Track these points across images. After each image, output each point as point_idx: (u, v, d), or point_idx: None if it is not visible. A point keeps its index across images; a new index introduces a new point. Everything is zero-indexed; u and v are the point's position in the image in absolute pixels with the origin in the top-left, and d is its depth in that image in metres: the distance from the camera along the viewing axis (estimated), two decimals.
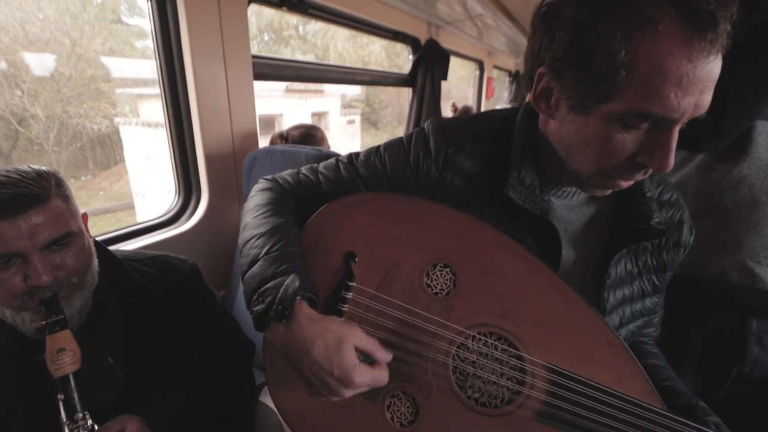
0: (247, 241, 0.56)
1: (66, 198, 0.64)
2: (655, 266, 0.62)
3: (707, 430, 0.46)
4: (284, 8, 1.59)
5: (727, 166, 0.76)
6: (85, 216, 0.70)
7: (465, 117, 0.63)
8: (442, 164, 0.59)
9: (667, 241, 0.61)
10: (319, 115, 8.25)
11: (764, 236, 0.74)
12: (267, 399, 0.92)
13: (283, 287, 0.47)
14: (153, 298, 0.74)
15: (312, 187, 0.64)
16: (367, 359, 0.49)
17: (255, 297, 0.49)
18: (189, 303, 0.80)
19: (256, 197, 0.63)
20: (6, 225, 0.56)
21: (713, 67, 0.41)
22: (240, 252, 0.56)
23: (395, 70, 2.92)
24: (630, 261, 0.60)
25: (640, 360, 0.53)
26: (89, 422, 0.58)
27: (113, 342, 0.71)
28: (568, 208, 0.60)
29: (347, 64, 2.18)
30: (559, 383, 0.48)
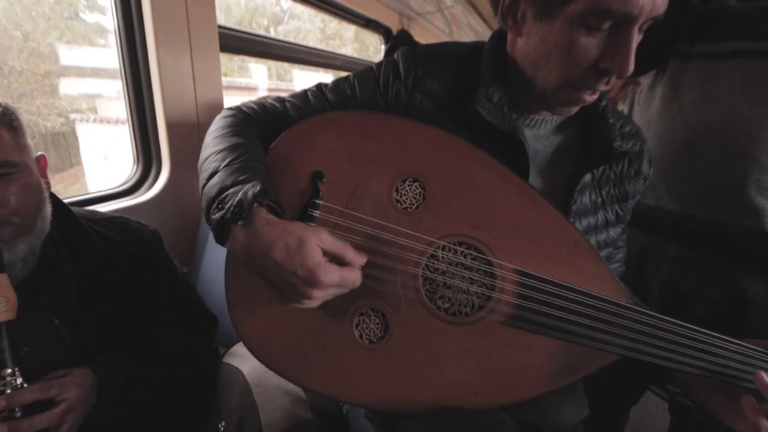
0: (206, 158, 0.53)
1: (12, 128, 0.59)
2: (618, 195, 0.64)
3: (671, 319, 0.47)
4: None
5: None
6: (43, 158, 0.65)
7: (435, 44, 0.63)
8: (411, 85, 0.58)
9: (628, 170, 0.63)
10: None
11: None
12: (230, 358, 0.88)
13: (243, 191, 0.45)
14: (109, 261, 0.69)
15: (279, 113, 0.61)
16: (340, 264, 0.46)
17: (214, 206, 0.47)
18: (148, 269, 0.75)
19: (218, 122, 0.60)
20: None
21: None
22: (199, 169, 0.53)
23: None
24: (594, 191, 0.62)
25: None
26: (18, 380, 0.53)
27: (63, 303, 0.65)
28: (536, 138, 0.61)
29: (318, 47, 2.16)
30: (528, 285, 0.48)
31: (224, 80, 1.46)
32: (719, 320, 0.69)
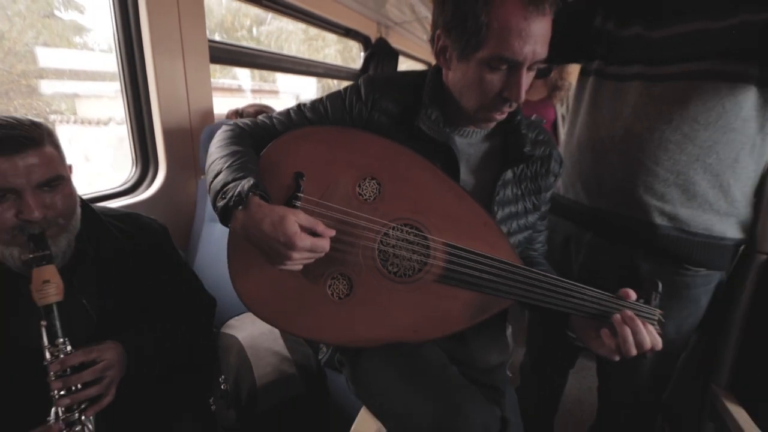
0: (213, 162, 0.69)
1: (56, 146, 0.72)
2: (534, 189, 0.82)
3: (547, 273, 0.66)
4: None
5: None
6: (70, 168, 0.77)
7: (390, 72, 0.81)
8: (370, 106, 0.76)
9: (540, 169, 0.82)
10: None
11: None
12: (226, 329, 1.04)
13: (240, 185, 0.61)
14: (125, 250, 0.82)
15: (268, 128, 0.78)
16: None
17: (219, 195, 0.63)
18: (157, 257, 0.88)
19: (220, 135, 0.76)
20: (4, 162, 0.62)
21: (543, 25, 0.62)
22: (206, 171, 0.70)
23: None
24: (515, 185, 0.80)
25: (531, 267, 0.73)
26: (68, 347, 0.65)
27: (88, 287, 0.77)
28: (468, 145, 0.80)
29: (301, 56, 2.30)
30: (453, 254, 0.67)
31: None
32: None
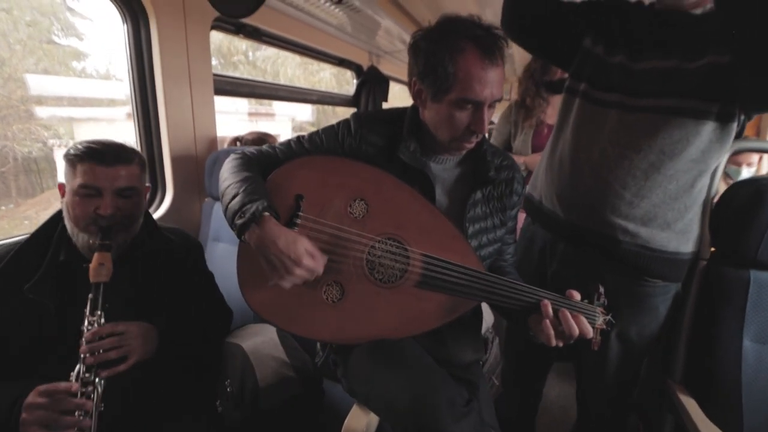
0: (228, 185, 0.81)
1: (143, 167, 0.93)
2: (500, 207, 0.94)
3: (505, 278, 0.79)
4: (241, 35, 1.88)
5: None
6: (147, 188, 0.96)
7: (375, 110, 0.95)
8: (359, 139, 0.90)
9: (505, 190, 0.95)
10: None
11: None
12: (231, 338, 1.14)
13: (256, 205, 0.74)
14: (170, 255, 1.00)
15: (272, 156, 0.91)
16: None
17: (238, 215, 0.75)
18: (192, 265, 1.05)
19: (231, 162, 0.89)
20: (102, 169, 0.84)
21: (497, 72, 0.76)
22: (222, 194, 0.82)
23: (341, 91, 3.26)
24: (484, 204, 0.93)
25: (500, 275, 0.84)
26: (102, 320, 0.79)
27: (136, 279, 0.93)
28: (444, 170, 0.93)
29: (297, 84, 2.47)
30: (428, 262, 0.79)
31: None
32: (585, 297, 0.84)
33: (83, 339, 0.76)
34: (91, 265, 0.78)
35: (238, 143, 1.78)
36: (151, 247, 0.97)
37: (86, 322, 0.77)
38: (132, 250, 0.93)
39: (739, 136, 0.91)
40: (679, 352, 1.06)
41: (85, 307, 0.78)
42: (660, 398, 1.12)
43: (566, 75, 1.74)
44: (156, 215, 1.56)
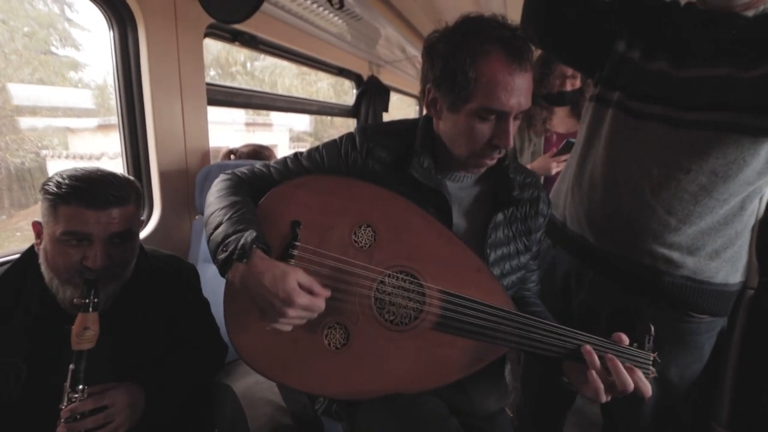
0: (212, 213, 0.70)
1: (138, 205, 0.79)
2: (524, 230, 0.84)
3: (539, 318, 0.67)
4: (237, 43, 1.78)
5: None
6: (141, 222, 0.83)
7: (383, 122, 0.84)
8: (365, 154, 0.79)
9: (530, 211, 0.84)
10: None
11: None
12: (220, 377, 1.02)
13: (243, 237, 0.62)
14: (163, 293, 0.86)
15: (265, 177, 0.80)
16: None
17: (220, 248, 0.64)
18: (188, 297, 0.93)
19: (218, 185, 0.78)
20: (92, 213, 0.70)
21: (525, 79, 0.66)
22: (205, 222, 0.70)
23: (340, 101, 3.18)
24: (506, 227, 0.82)
25: (524, 308, 0.73)
26: (86, 394, 0.67)
27: (122, 327, 0.79)
28: (460, 189, 0.82)
29: (295, 95, 2.38)
30: (448, 301, 0.67)
31: None
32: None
33: (61, 418, 0.64)
34: (74, 330, 0.65)
35: (232, 156, 1.67)
36: (142, 287, 0.83)
37: (66, 399, 0.65)
38: (120, 297, 0.80)
39: None
40: (724, 393, 0.94)
41: (64, 378, 0.65)
42: None
43: (565, 88, 1.68)
44: (141, 235, 1.44)
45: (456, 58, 0.66)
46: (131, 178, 0.79)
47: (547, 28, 0.94)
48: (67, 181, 0.69)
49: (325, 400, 0.84)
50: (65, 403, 0.65)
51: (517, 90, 0.65)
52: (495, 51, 0.64)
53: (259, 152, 1.64)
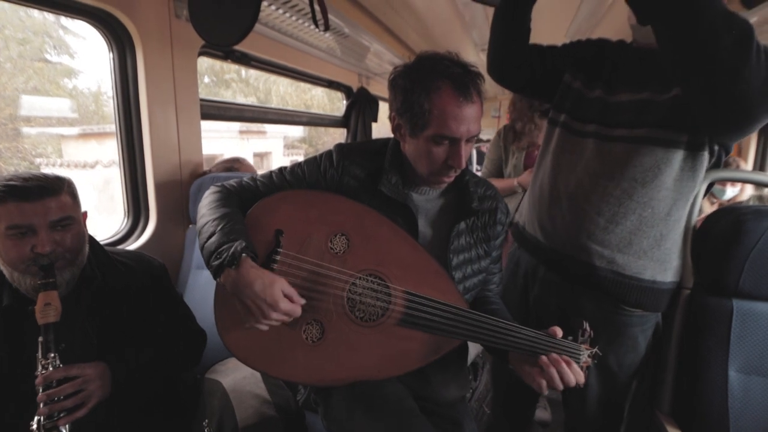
0: (205, 224, 0.80)
1: (73, 195, 0.86)
2: (483, 237, 0.94)
3: (487, 316, 0.77)
4: (229, 60, 1.89)
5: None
6: (85, 214, 0.91)
7: (358, 142, 0.94)
8: (341, 171, 0.89)
9: (488, 220, 0.94)
10: (261, 156, 8.38)
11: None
12: (211, 374, 1.10)
13: (234, 246, 0.72)
14: (127, 282, 0.94)
15: (252, 189, 0.90)
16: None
17: (214, 256, 0.73)
18: (155, 290, 1.00)
19: (209, 197, 0.87)
20: (29, 206, 0.77)
21: (474, 109, 0.77)
22: (198, 231, 0.80)
23: (332, 112, 3.29)
24: (468, 235, 0.93)
25: (483, 307, 0.83)
26: (57, 362, 0.75)
27: (93, 314, 0.89)
28: (426, 201, 0.93)
29: (287, 107, 2.48)
30: (411, 300, 0.77)
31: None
32: (566, 327, 0.81)
33: (37, 385, 0.73)
34: (36, 307, 0.74)
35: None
36: (107, 278, 0.92)
37: (39, 368, 0.73)
38: (83, 284, 0.88)
39: (717, 165, 0.93)
40: (666, 384, 1.04)
41: (37, 352, 0.74)
42: (648, 430, 1.10)
43: None
44: (138, 243, 1.53)
45: (414, 92, 0.77)
46: (62, 175, 0.86)
47: (505, 76, 1.09)
48: (1, 185, 0.77)
49: (305, 391, 0.93)
50: (40, 371, 0.73)
51: (466, 119, 0.76)
52: (445, 86, 0.75)
53: (229, 167, 1.76)
